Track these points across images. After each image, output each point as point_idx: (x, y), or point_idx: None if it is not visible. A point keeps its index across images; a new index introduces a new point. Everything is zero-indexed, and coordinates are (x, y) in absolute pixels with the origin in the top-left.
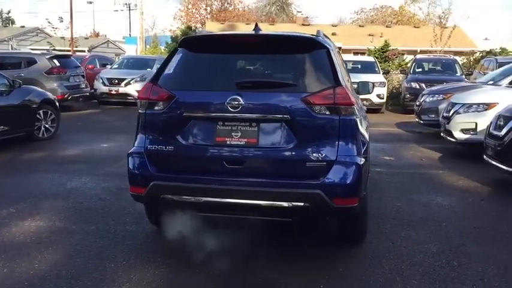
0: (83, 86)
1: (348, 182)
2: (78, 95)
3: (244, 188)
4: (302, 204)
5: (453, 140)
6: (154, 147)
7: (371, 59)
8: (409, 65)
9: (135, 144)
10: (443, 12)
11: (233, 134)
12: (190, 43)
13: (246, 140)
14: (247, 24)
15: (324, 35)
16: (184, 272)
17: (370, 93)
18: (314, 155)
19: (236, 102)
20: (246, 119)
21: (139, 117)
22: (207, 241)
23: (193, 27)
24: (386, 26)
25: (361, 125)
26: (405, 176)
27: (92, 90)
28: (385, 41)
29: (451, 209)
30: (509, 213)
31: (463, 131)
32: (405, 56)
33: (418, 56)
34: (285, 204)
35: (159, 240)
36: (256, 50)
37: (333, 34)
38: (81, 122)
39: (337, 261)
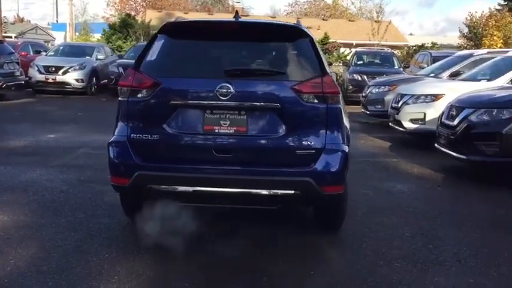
0: (18, 73)
1: (336, 169)
2: (12, 83)
3: (234, 176)
4: (293, 192)
5: (402, 129)
6: (138, 136)
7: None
8: (348, 57)
9: (116, 133)
10: (380, 7)
11: (221, 122)
12: (173, 29)
13: (235, 128)
14: (185, 13)
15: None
16: (172, 263)
17: None
18: (303, 143)
19: (226, 90)
20: (235, 107)
21: (119, 105)
22: (189, 230)
23: (133, 15)
24: (323, 19)
25: (344, 113)
26: (364, 164)
27: (27, 78)
28: (325, 34)
29: (413, 195)
30: (467, 198)
31: (412, 121)
32: (342, 49)
33: (359, 49)
34: (277, 191)
35: (137, 232)
36: (242, 38)
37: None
38: (18, 112)
39: (320, 248)
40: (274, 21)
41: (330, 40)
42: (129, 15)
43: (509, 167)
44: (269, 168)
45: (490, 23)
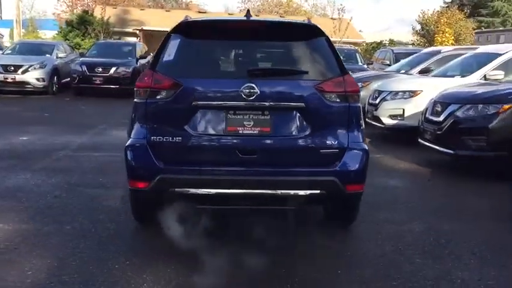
0: None
1: (359, 168)
2: None
3: (260, 177)
4: (318, 192)
5: (381, 125)
6: (159, 139)
7: None
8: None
9: (133, 136)
10: (341, 4)
11: (245, 123)
12: (188, 29)
13: (259, 128)
14: (141, 9)
15: None
16: (197, 267)
17: None
18: (327, 142)
19: (251, 90)
20: (260, 107)
21: (135, 107)
22: (206, 232)
23: (90, 12)
24: (280, 16)
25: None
26: None
27: None
28: None
29: (408, 191)
30: (459, 191)
31: (391, 116)
32: None
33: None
34: (302, 192)
35: (152, 237)
36: (259, 36)
37: None
38: None
39: (339, 247)
40: (290, 20)
41: None
42: (86, 11)
43: (496, 160)
44: (295, 169)
45: (442, 20)
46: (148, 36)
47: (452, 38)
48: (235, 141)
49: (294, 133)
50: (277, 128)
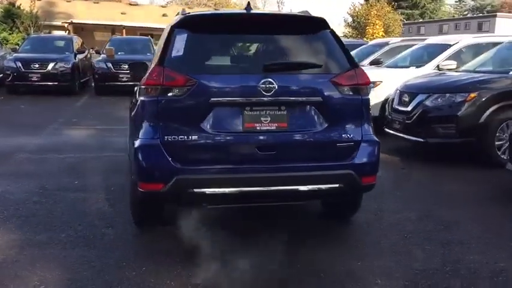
0: None
1: (373, 160)
2: None
3: (281, 174)
4: (337, 185)
5: None
6: (174, 138)
7: None
8: None
9: (142, 136)
10: None
11: (262, 119)
12: (194, 23)
13: (276, 124)
14: (68, 1)
15: None
16: (219, 269)
17: None
18: (343, 135)
19: (269, 86)
20: (277, 102)
21: (143, 105)
22: (216, 233)
23: (17, 5)
24: (215, 9)
25: None
26: None
27: None
28: None
29: (388, 180)
30: (436, 178)
31: None
32: None
33: None
34: (322, 187)
35: (156, 241)
36: (268, 30)
37: (164, 15)
38: None
39: (348, 238)
40: (296, 13)
41: None
42: (13, 4)
43: (466, 146)
44: (314, 164)
45: (372, 12)
46: (78, 29)
47: (382, 29)
48: (253, 138)
49: (310, 128)
50: (293, 123)
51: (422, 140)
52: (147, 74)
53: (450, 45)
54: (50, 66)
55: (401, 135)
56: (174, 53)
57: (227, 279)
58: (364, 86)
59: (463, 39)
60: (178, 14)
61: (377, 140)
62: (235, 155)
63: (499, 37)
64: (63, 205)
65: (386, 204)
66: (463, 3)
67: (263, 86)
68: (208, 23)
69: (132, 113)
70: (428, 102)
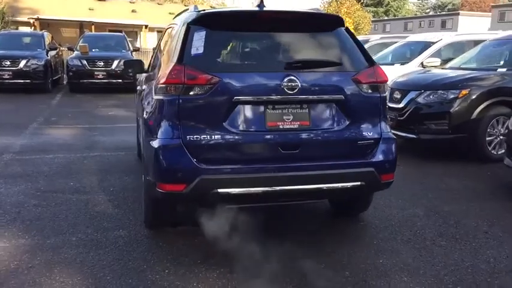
0: None
1: (393, 157)
2: None
3: (306, 173)
4: (359, 183)
5: None
6: (196, 138)
7: None
8: None
9: (162, 136)
10: None
11: (284, 117)
12: (211, 20)
13: (298, 123)
14: None
15: None
16: (243, 268)
17: None
18: (364, 133)
19: (293, 84)
20: (299, 100)
21: (161, 104)
22: (234, 232)
23: None
24: (185, 5)
25: None
26: None
27: None
28: None
29: None
30: (433, 173)
31: None
32: None
33: None
34: (345, 185)
35: (174, 242)
36: (285, 28)
37: (133, 11)
38: None
39: (364, 236)
40: (312, 11)
41: None
42: None
43: (459, 142)
44: (336, 162)
45: (342, 10)
46: (45, 25)
47: (352, 27)
48: (276, 136)
49: (332, 125)
50: (316, 121)
51: (415, 136)
52: (165, 72)
53: (433, 43)
54: (22, 63)
55: (394, 131)
56: (193, 51)
57: (253, 276)
58: (382, 83)
59: (445, 37)
60: (186, 10)
61: (394, 137)
62: (259, 154)
63: (479, 35)
64: (66, 207)
65: (390, 201)
66: (425, 1)
67: (286, 84)
68: (225, 20)
69: (145, 113)
70: (420, 99)
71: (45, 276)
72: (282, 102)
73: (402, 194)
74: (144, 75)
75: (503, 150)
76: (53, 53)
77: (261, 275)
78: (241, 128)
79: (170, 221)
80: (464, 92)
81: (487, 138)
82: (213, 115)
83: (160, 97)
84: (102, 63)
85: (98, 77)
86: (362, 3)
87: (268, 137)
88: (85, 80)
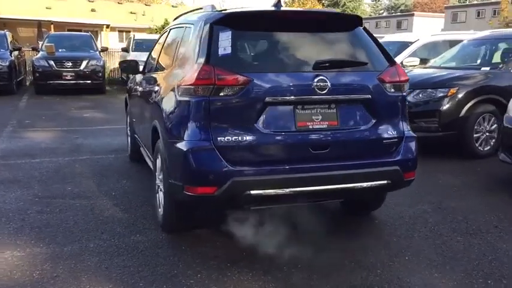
0: None
1: (414, 155)
2: None
3: (336, 172)
4: (385, 182)
5: None
6: (227, 139)
7: None
8: None
9: (190, 138)
10: None
11: (313, 117)
12: (234, 20)
13: (327, 123)
14: None
15: None
16: (272, 267)
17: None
18: (389, 132)
19: (323, 84)
20: (328, 100)
21: (189, 106)
22: (249, 234)
23: None
24: (146, 4)
25: None
26: None
27: None
28: (165, 20)
29: None
30: (426, 171)
31: None
32: None
33: None
34: (373, 184)
35: (197, 245)
36: (309, 27)
37: (93, 10)
38: None
39: (382, 234)
40: (333, 10)
41: None
42: None
43: (448, 140)
44: (364, 161)
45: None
46: (1, 24)
47: None
48: (306, 137)
49: (359, 125)
50: (343, 121)
51: None
52: (190, 73)
53: (411, 43)
54: None
55: None
56: (221, 51)
57: (288, 275)
58: (404, 82)
59: (422, 37)
60: (200, 9)
61: (415, 135)
62: (290, 154)
63: (454, 35)
64: (72, 213)
65: (396, 198)
66: (379, 2)
67: (317, 84)
68: (250, 20)
69: (163, 115)
70: (410, 98)
71: (74, 285)
72: (311, 102)
73: (404, 191)
74: (144, 76)
75: (489, 147)
76: (16, 53)
77: (295, 274)
78: (272, 128)
79: (189, 225)
80: (452, 90)
81: (474, 135)
82: (243, 116)
83: (186, 98)
84: (71, 64)
85: (66, 78)
86: (323, 4)
87: (299, 137)
88: (52, 81)
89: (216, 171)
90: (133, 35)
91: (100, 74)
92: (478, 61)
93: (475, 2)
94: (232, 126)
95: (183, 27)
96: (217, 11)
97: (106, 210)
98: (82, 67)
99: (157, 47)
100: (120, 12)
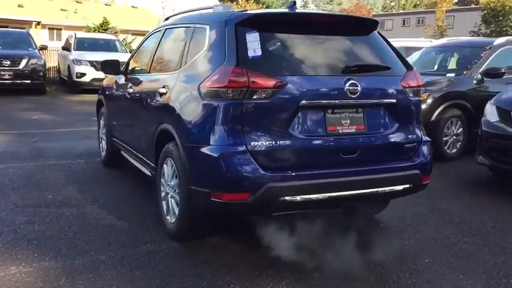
0: None
1: (430, 159)
2: None
3: (365, 177)
4: (408, 185)
5: None
6: (261, 144)
7: (113, 37)
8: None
9: (221, 143)
10: None
11: (343, 121)
12: (260, 22)
13: (355, 127)
14: None
15: None
16: (314, 278)
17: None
18: (409, 136)
19: (355, 88)
20: (356, 104)
21: (218, 109)
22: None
23: None
24: (77, 1)
25: None
26: None
27: None
28: (104, 18)
29: None
30: None
31: None
32: (122, 36)
33: None
34: (398, 188)
35: (217, 253)
36: (332, 31)
37: (20, 6)
38: None
39: (388, 236)
40: (352, 14)
41: (110, 25)
42: None
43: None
44: (390, 165)
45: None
46: None
47: None
48: (337, 141)
49: (384, 129)
50: (370, 125)
51: None
52: (219, 75)
53: None
54: None
55: None
56: (251, 53)
57: (321, 281)
58: (421, 87)
59: None
60: (201, 10)
61: (430, 139)
62: (322, 159)
63: (410, 42)
64: (66, 223)
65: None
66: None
67: (349, 87)
68: (273, 22)
69: (183, 117)
70: None
71: None
72: (342, 106)
73: None
74: (131, 77)
75: (455, 150)
76: None
77: (328, 282)
78: (304, 133)
79: (202, 233)
80: (424, 95)
81: (444, 139)
82: (277, 120)
83: (214, 101)
84: (9, 63)
85: (4, 77)
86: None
87: (330, 142)
88: None
89: (251, 176)
90: (75, 34)
91: (41, 74)
92: (436, 67)
93: (401, 11)
94: (266, 130)
95: (190, 27)
96: (237, 11)
97: (102, 219)
98: (21, 66)
99: (149, 48)
100: (50, 9)
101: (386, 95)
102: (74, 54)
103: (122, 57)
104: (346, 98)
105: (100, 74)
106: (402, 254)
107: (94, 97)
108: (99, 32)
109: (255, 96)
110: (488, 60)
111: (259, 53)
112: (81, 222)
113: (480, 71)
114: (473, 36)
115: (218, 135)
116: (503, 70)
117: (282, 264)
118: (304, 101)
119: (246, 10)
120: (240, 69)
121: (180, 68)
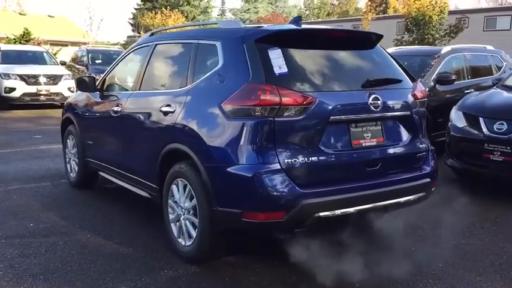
0: None
1: (436, 167)
2: None
3: (390, 188)
4: (422, 194)
5: None
6: (294, 161)
7: (41, 48)
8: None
9: (253, 161)
10: None
11: (365, 135)
12: (281, 38)
13: (376, 140)
14: None
15: None
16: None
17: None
18: (420, 146)
19: (377, 102)
20: (377, 118)
21: (249, 127)
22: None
23: None
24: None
25: None
26: None
27: None
28: (26, 29)
29: None
30: None
31: None
32: (46, 47)
33: (90, 48)
34: (414, 196)
35: (239, 276)
36: (345, 46)
37: None
38: None
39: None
40: (363, 30)
41: (33, 36)
42: None
43: None
44: (408, 175)
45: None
46: None
47: None
48: (362, 154)
49: (400, 140)
50: (388, 137)
51: None
52: (247, 92)
53: None
54: None
55: None
56: (276, 70)
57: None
58: (425, 98)
59: None
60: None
61: (433, 148)
62: (350, 173)
63: None
64: (64, 254)
65: None
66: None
67: (372, 102)
68: (292, 38)
69: (204, 136)
70: None
71: None
72: (364, 120)
73: None
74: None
75: None
76: None
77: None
78: (332, 148)
79: (220, 254)
80: None
81: None
82: (307, 136)
83: (243, 119)
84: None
85: None
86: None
87: (356, 155)
88: None
89: (287, 195)
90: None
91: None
92: None
93: (334, 18)
94: (297, 147)
95: (191, 43)
96: (250, 27)
97: (102, 246)
98: None
99: (133, 64)
100: None
101: (402, 107)
102: (1, 68)
103: (54, 70)
104: (370, 112)
105: (31, 89)
106: (417, 260)
107: (28, 113)
108: (20, 43)
109: (286, 114)
110: (438, 68)
111: (285, 69)
112: (80, 250)
113: (433, 78)
114: (396, 44)
115: (250, 154)
116: (453, 77)
117: (309, 278)
118: (333, 117)
119: (261, 26)
120: (270, 87)
121: (187, 85)
